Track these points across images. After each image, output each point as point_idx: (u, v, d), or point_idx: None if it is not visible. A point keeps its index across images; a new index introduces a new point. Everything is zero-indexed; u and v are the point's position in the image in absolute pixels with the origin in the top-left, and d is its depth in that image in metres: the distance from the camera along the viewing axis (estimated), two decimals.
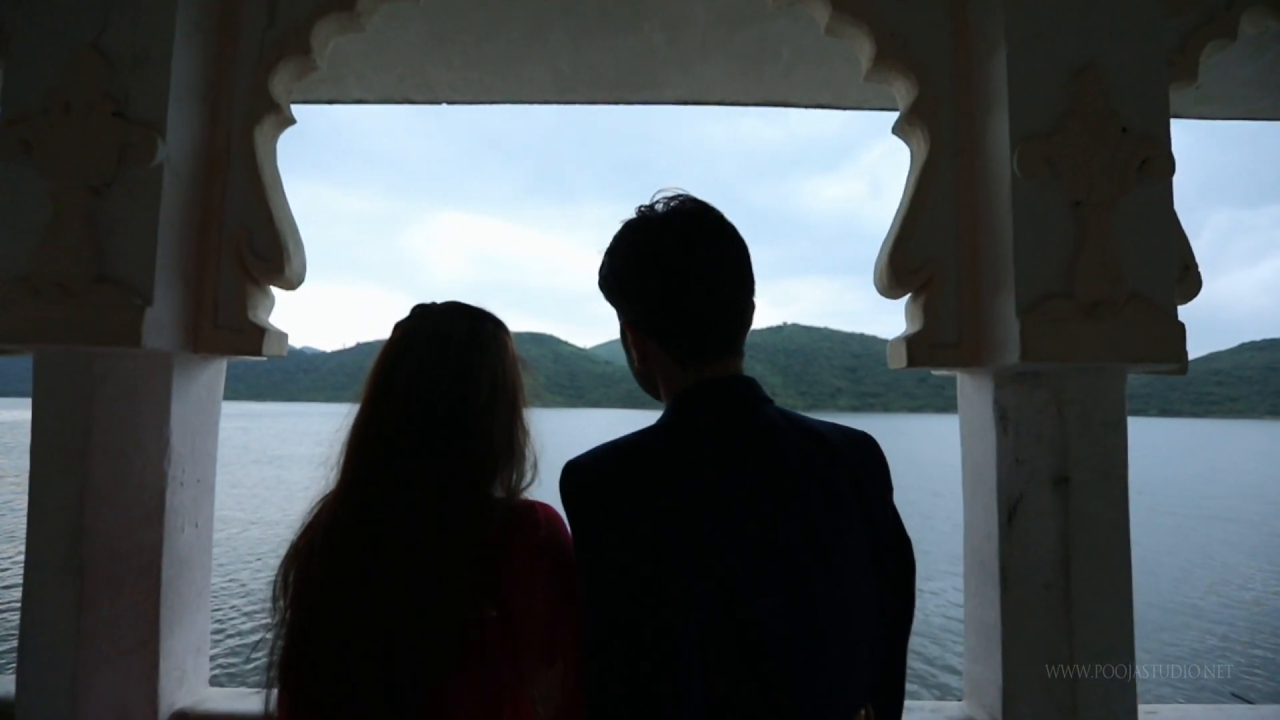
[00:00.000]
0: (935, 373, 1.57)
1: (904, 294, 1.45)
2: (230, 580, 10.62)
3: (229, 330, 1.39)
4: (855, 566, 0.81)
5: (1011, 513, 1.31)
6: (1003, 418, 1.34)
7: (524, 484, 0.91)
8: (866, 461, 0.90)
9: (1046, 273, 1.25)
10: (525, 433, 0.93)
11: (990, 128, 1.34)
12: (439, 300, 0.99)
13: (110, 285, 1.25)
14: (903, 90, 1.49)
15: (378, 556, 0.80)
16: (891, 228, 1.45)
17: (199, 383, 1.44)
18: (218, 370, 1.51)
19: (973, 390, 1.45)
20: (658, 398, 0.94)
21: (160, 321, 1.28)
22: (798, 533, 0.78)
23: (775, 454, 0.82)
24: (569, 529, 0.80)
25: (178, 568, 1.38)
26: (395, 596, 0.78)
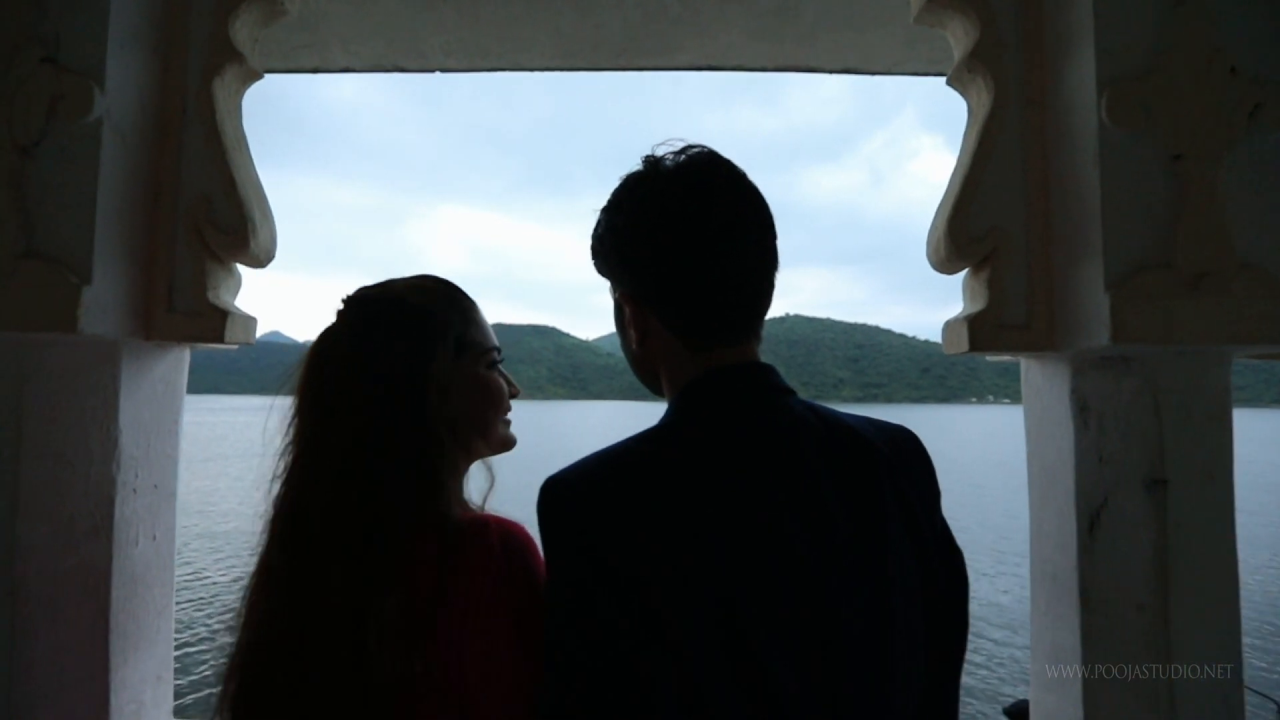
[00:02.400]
0: (990, 359, 1.39)
1: (963, 267, 1.26)
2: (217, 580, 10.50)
3: (186, 314, 1.20)
4: (898, 593, 0.67)
5: (1094, 521, 1.13)
6: (1083, 409, 1.15)
7: (468, 494, 0.78)
8: (911, 463, 0.75)
9: (1141, 239, 1.06)
10: (456, 432, 0.77)
11: (1069, 71, 1.15)
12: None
13: (40, 261, 1.07)
14: (960, 33, 1.29)
15: (296, 600, 0.69)
16: (948, 191, 1.26)
17: (154, 375, 1.26)
18: (177, 360, 1.33)
19: (1043, 379, 1.26)
20: (655, 390, 0.78)
21: (102, 303, 1.10)
22: (828, 559, 0.65)
23: (801, 460, 0.68)
24: (543, 554, 0.66)
25: (131, 586, 1.20)
26: (310, 650, 0.67)
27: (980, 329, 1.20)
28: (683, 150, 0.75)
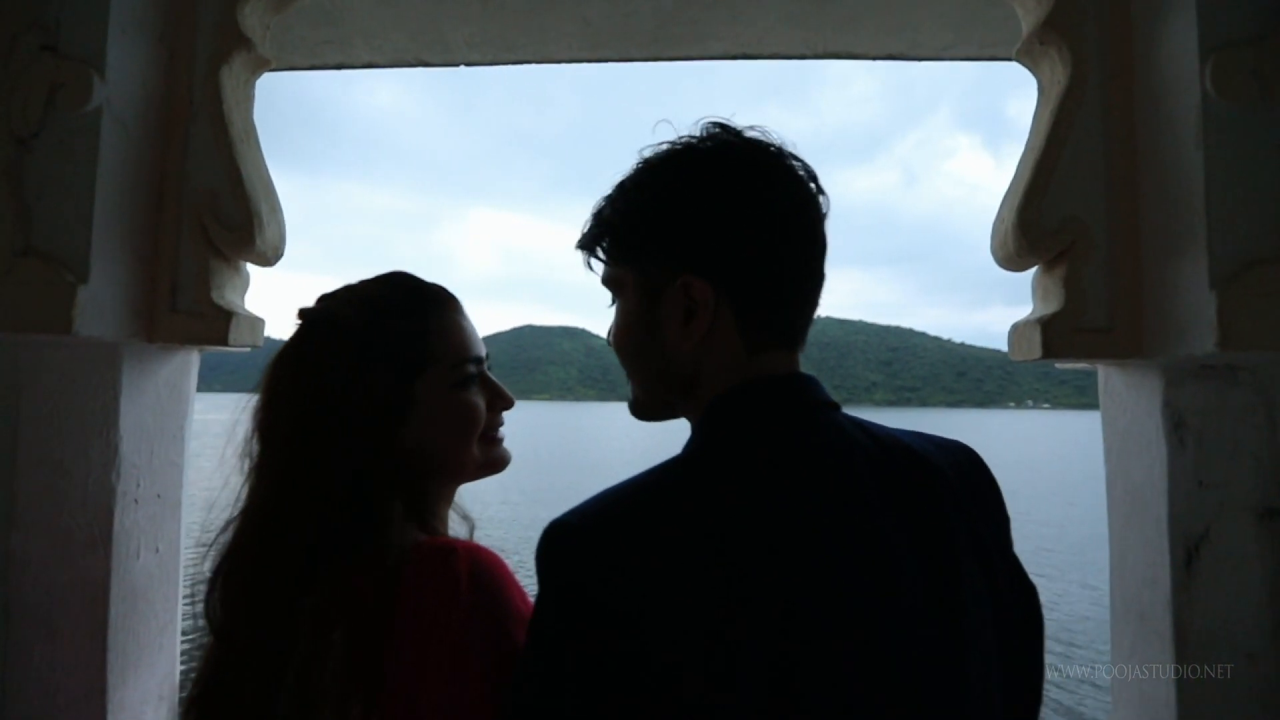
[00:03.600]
0: (1060, 365, 1.24)
1: (1034, 263, 1.12)
2: None
3: (189, 314, 1.14)
4: (976, 643, 0.58)
5: (1191, 554, 0.98)
6: (1178, 426, 1.00)
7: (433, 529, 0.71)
8: (978, 488, 0.65)
9: (1253, 230, 0.92)
10: (413, 460, 0.70)
11: (1164, 37, 1.00)
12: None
13: (37, 259, 1.02)
14: (1030, 3, 1.16)
15: (227, 643, 0.66)
16: (1016, 178, 1.13)
17: (158, 379, 1.20)
18: (184, 363, 1.27)
19: (1127, 389, 1.12)
20: (666, 406, 0.69)
21: (100, 303, 1.04)
22: (894, 608, 0.55)
23: (857, 490, 0.58)
24: (528, 590, 0.60)
25: (131, 602, 1.14)
26: (236, 693, 0.63)
27: (1055, 333, 1.06)
28: (748, 128, 0.66)
